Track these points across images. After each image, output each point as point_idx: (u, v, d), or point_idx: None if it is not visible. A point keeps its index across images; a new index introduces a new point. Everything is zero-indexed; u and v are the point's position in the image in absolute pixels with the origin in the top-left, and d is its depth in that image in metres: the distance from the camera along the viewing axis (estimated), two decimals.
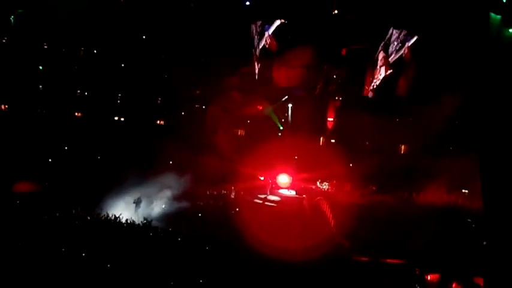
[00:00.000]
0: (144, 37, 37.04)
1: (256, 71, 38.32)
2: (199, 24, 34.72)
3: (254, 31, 37.10)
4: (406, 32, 34.61)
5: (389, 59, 34.99)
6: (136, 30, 36.39)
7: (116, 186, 28.04)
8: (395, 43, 34.83)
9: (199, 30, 34.59)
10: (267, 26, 35.97)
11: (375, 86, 35.84)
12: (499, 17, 22.26)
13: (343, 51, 36.16)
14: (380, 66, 35.30)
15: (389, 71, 34.79)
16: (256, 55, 37.63)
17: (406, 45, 34.63)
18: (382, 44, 35.13)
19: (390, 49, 35.11)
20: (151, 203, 28.29)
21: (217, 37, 34.86)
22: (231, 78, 36.66)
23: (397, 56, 34.93)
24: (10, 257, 19.03)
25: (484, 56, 21.70)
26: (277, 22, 35.94)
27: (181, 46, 35.41)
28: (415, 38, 34.80)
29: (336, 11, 35.77)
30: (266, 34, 35.80)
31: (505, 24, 22.71)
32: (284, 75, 37.04)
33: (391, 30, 34.83)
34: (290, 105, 37.80)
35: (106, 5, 33.48)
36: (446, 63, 32.62)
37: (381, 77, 35.61)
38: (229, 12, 34.95)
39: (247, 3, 34.65)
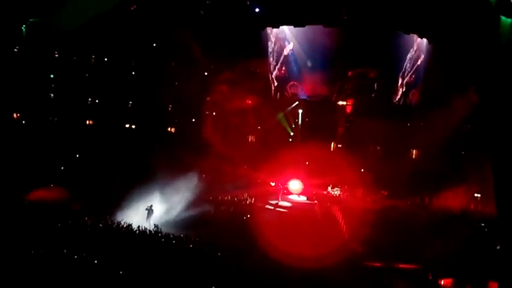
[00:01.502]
0: (154, 45, 37.25)
1: (273, 88, 38.77)
2: (210, 31, 34.86)
3: (270, 47, 37.79)
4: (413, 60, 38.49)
5: (404, 82, 38.85)
6: (146, 38, 36.58)
7: (127, 194, 28.12)
8: (408, 69, 38.84)
9: (210, 37, 34.74)
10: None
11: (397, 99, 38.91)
12: (509, 20, 22.17)
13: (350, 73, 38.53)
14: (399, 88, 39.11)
15: (404, 88, 39.11)
16: (272, 78, 38.16)
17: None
18: (400, 73, 38.71)
19: (405, 74, 38.87)
20: (164, 209, 28.33)
21: (228, 44, 35.00)
22: (242, 84, 36.81)
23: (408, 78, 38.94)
24: (23, 264, 19.11)
25: (494, 59, 21.64)
26: (290, 46, 37.48)
27: (192, 53, 35.59)
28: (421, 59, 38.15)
29: (346, 17, 35.85)
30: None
31: None
32: (302, 89, 37.70)
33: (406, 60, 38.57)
34: (300, 111, 37.84)
35: (116, 14, 33.63)
36: (457, 67, 32.52)
37: (400, 94, 38.87)
38: (239, 20, 35.04)
39: (257, 9, 34.67)
